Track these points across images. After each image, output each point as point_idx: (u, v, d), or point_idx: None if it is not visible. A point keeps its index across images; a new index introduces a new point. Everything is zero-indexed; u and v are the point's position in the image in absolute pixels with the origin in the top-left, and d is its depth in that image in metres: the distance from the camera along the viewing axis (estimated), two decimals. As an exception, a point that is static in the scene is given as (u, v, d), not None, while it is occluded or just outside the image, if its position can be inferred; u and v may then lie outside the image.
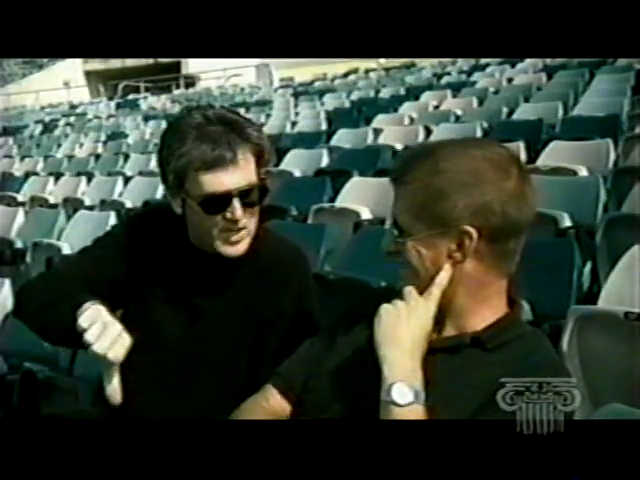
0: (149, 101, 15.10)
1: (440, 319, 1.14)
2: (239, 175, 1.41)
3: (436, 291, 1.10)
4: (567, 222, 3.07)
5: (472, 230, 1.07)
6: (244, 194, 1.43)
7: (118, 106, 15.08)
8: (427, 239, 1.10)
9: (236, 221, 1.43)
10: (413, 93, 8.81)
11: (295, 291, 1.55)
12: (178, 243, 1.54)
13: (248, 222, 1.46)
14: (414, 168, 1.12)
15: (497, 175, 1.08)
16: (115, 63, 22.27)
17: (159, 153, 1.47)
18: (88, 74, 23.68)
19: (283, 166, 5.65)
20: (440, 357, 1.12)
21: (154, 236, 1.57)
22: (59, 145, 10.13)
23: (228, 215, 1.42)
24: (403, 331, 1.09)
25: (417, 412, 1.05)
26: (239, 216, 1.42)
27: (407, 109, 7.53)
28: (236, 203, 1.42)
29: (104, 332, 1.24)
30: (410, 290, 1.12)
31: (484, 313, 1.13)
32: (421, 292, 1.12)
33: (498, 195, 1.07)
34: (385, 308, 1.12)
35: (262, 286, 1.53)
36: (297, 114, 9.06)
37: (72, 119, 13.43)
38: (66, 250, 4.05)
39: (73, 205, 5.46)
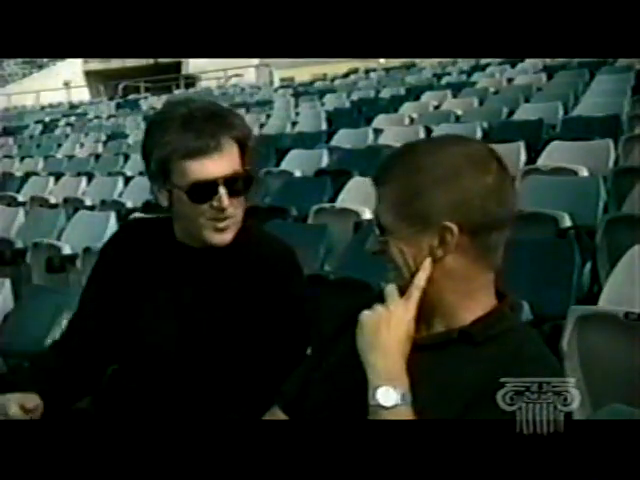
0: (149, 101, 15.09)
1: (429, 316, 1.14)
2: (224, 163, 1.43)
3: (415, 292, 1.11)
4: (567, 222, 3.07)
5: (453, 226, 1.07)
6: (230, 182, 1.44)
7: (118, 106, 15.08)
8: (409, 237, 1.10)
9: (223, 209, 1.44)
10: (413, 93, 8.80)
11: (283, 286, 1.54)
12: (165, 244, 1.56)
13: (234, 211, 1.47)
14: (392, 168, 1.13)
15: (475, 170, 1.08)
16: (115, 63, 22.27)
17: (143, 145, 1.49)
18: (88, 74, 23.69)
19: (283, 166, 5.65)
20: (429, 354, 1.11)
21: (143, 244, 1.59)
22: (59, 145, 10.12)
23: (215, 203, 1.44)
24: (384, 335, 1.09)
25: (403, 413, 1.05)
26: (226, 204, 1.44)
27: (407, 109, 7.53)
28: (222, 191, 1.43)
29: None
30: (390, 293, 1.12)
31: (472, 307, 1.13)
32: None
33: (477, 190, 1.07)
34: (365, 314, 1.12)
35: (250, 281, 1.52)
36: (297, 114, 9.05)
37: (72, 119, 13.42)
38: (66, 250, 4.05)
39: (73, 205, 5.45)
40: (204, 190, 1.43)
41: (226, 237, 1.48)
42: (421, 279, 1.10)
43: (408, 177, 1.10)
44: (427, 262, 1.10)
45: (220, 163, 1.43)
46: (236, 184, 1.46)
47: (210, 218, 1.45)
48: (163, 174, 1.45)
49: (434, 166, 1.09)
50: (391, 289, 1.13)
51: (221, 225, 1.47)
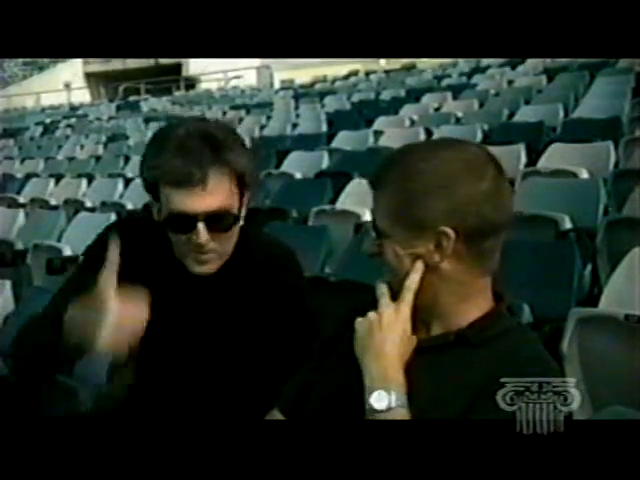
0: (150, 103, 15.10)
1: (427, 319, 1.14)
2: (208, 198, 1.34)
3: (407, 294, 1.11)
4: (568, 224, 3.07)
5: (449, 231, 1.07)
6: (211, 219, 1.35)
7: (119, 108, 15.07)
8: (405, 241, 1.10)
9: (201, 245, 1.37)
10: (413, 95, 8.79)
11: (287, 294, 1.52)
12: (162, 251, 1.49)
13: (217, 246, 1.40)
14: (389, 172, 1.12)
15: (471, 176, 1.07)
16: (116, 65, 22.29)
17: (141, 161, 1.43)
18: (89, 76, 23.70)
19: (284, 168, 5.66)
20: (427, 357, 1.12)
21: (137, 248, 1.51)
22: (60, 147, 10.12)
23: (193, 237, 1.37)
24: (376, 339, 1.10)
25: (398, 415, 1.05)
26: (204, 241, 1.36)
27: (408, 111, 7.53)
28: (201, 227, 1.35)
29: None
30: (381, 296, 1.13)
31: (469, 310, 1.13)
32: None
33: (473, 196, 1.07)
34: (358, 320, 1.13)
35: (251, 287, 1.49)
36: (298, 116, 9.05)
37: (73, 121, 13.43)
38: (67, 252, 4.05)
39: (74, 207, 5.46)
40: (182, 223, 1.36)
41: (209, 268, 1.42)
42: (413, 281, 1.10)
43: (405, 183, 1.09)
44: (419, 264, 1.10)
45: (203, 197, 1.33)
46: (220, 221, 1.37)
47: (190, 249, 1.39)
48: (152, 194, 1.40)
49: (430, 172, 1.08)
50: (382, 292, 1.13)
51: (202, 258, 1.40)
